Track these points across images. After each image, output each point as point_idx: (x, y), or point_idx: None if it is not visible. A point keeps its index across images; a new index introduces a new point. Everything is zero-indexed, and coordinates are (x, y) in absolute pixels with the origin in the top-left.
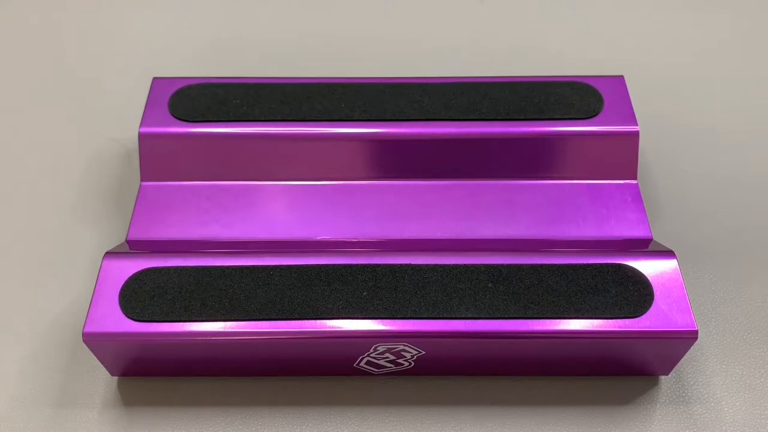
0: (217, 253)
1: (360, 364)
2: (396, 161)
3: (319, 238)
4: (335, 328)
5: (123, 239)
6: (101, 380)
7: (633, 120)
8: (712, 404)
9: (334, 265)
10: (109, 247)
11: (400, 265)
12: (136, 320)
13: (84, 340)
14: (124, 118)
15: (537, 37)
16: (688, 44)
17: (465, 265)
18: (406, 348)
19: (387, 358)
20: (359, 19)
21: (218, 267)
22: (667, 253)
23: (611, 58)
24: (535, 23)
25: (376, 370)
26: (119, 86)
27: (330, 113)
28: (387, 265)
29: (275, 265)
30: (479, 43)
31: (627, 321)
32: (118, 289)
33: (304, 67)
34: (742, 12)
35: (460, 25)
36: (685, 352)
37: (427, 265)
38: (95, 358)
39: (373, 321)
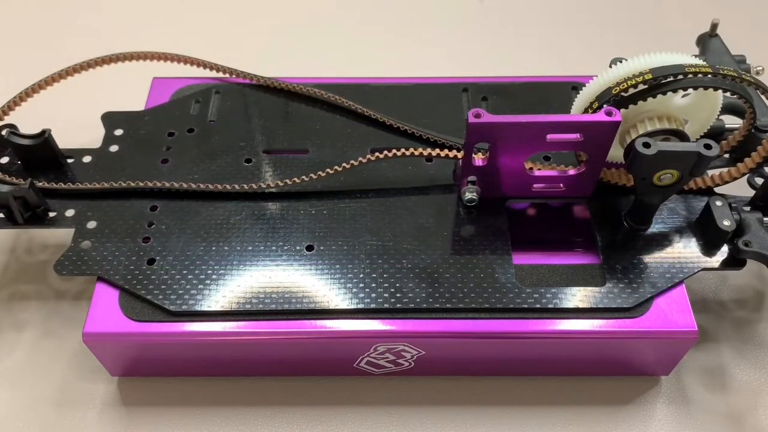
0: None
1: (360, 364)
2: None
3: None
4: (335, 328)
5: None
6: (101, 380)
7: None
8: (712, 404)
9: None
10: None
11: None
12: (136, 320)
13: (84, 340)
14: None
15: (537, 37)
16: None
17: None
18: (406, 348)
19: (387, 358)
20: (359, 19)
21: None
22: None
23: (611, 58)
24: (535, 23)
25: (376, 370)
26: (119, 86)
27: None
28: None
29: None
30: (479, 43)
31: (627, 321)
32: (119, 289)
33: (304, 67)
34: (742, 12)
35: (459, 26)
36: (685, 352)
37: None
38: (95, 358)
39: (373, 321)
